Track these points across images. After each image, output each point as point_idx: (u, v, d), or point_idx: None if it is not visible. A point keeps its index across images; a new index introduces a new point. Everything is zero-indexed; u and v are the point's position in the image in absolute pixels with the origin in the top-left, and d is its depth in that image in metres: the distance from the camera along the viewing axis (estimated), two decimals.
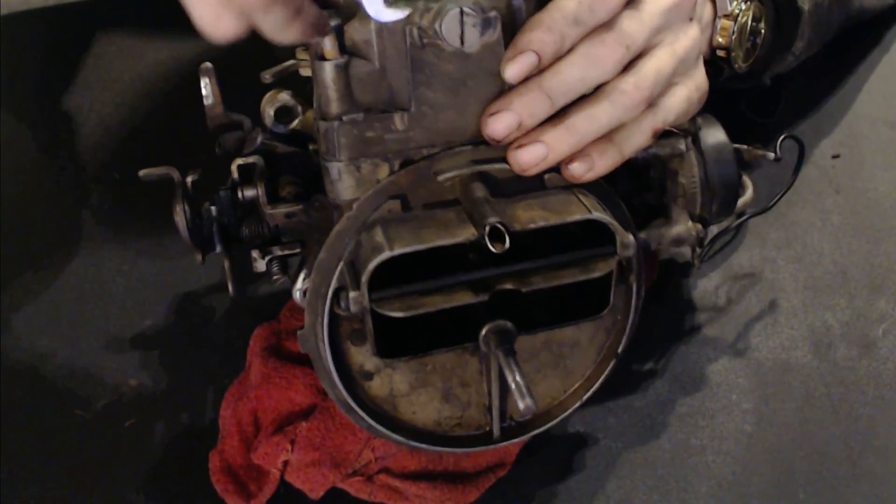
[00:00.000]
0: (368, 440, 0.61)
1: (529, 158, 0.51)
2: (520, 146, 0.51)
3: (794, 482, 0.61)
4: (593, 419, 0.65)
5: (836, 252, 0.74)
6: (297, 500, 0.61)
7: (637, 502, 0.61)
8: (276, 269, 0.58)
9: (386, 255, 0.49)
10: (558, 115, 0.51)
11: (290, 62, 0.58)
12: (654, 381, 0.67)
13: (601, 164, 0.53)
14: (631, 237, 0.53)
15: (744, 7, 0.67)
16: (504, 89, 0.51)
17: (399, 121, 0.51)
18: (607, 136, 0.53)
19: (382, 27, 0.49)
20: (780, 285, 0.72)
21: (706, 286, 0.72)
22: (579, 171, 0.52)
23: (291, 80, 0.57)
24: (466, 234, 0.50)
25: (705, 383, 0.67)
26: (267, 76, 0.54)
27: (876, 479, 0.61)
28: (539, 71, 0.50)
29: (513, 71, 0.50)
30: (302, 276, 0.55)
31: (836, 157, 0.81)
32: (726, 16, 0.65)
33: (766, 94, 0.79)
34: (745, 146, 0.62)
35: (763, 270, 0.73)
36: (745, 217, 0.68)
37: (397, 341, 0.54)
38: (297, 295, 0.54)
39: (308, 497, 0.61)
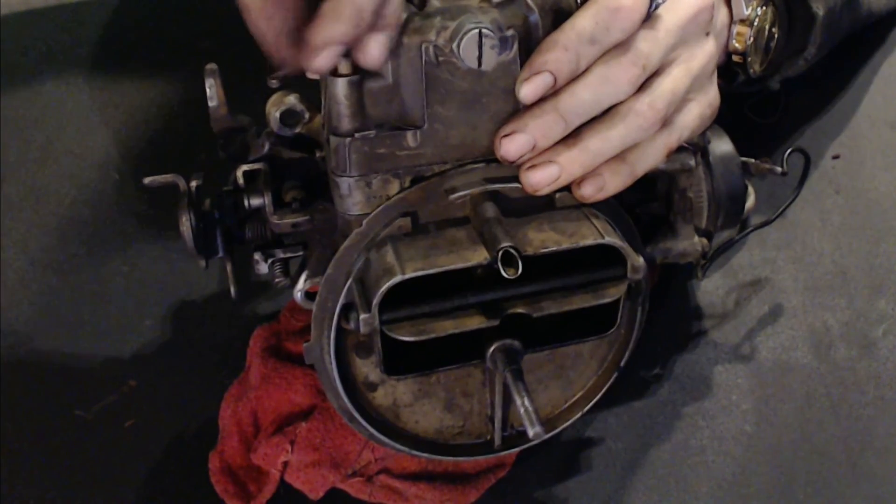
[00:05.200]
0: (368, 441, 0.61)
1: (541, 179, 0.51)
2: (532, 166, 0.51)
3: (794, 482, 0.61)
4: (593, 419, 0.65)
5: (836, 252, 0.74)
6: (296, 500, 0.61)
7: (637, 502, 0.61)
8: (278, 271, 0.58)
9: (398, 278, 0.49)
10: (572, 136, 0.51)
11: None
12: (655, 381, 0.67)
13: (613, 184, 0.52)
14: (641, 260, 0.53)
15: (760, 12, 0.66)
16: (518, 106, 0.51)
17: (411, 138, 0.50)
18: (620, 156, 0.52)
19: (398, 44, 0.48)
20: (781, 286, 0.72)
21: (706, 287, 0.72)
22: (590, 191, 0.52)
23: (297, 83, 0.57)
24: (478, 257, 0.49)
25: (705, 384, 0.66)
26: (273, 81, 0.54)
27: (876, 479, 0.61)
28: (554, 91, 0.50)
29: (528, 91, 0.49)
30: (303, 276, 0.54)
31: (836, 157, 0.81)
32: (742, 21, 0.65)
33: (768, 95, 0.78)
34: (753, 160, 0.62)
35: (763, 271, 0.73)
36: (748, 230, 0.68)
37: (403, 356, 0.53)
38: (298, 296, 0.54)
39: (308, 497, 0.61)
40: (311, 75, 0.52)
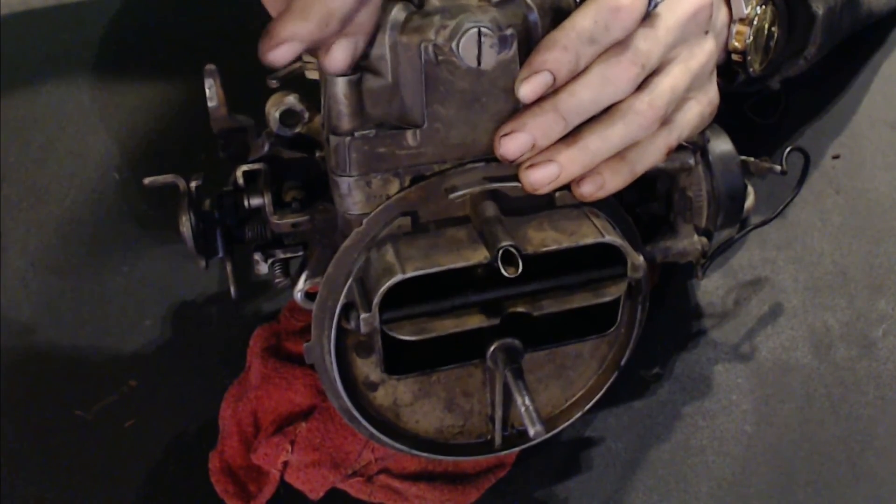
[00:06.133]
0: (368, 441, 0.61)
1: (541, 178, 0.51)
2: (532, 165, 0.51)
3: (794, 482, 0.61)
4: (594, 419, 0.65)
5: (836, 252, 0.74)
6: (296, 500, 0.61)
7: (637, 502, 0.61)
8: (278, 271, 0.58)
9: (398, 278, 0.48)
10: (571, 134, 0.51)
11: (297, 64, 0.57)
12: (655, 381, 0.67)
13: (612, 183, 0.52)
14: (641, 259, 0.53)
15: (759, 11, 0.66)
16: (518, 106, 0.50)
17: (411, 137, 0.50)
18: (620, 155, 0.52)
19: (397, 43, 0.48)
20: (781, 286, 0.72)
21: (706, 287, 0.72)
22: (590, 190, 0.52)
23: (297, 82, 0.57)
24: (479, 256, 0.49)
25: (705, 384, 0.67)
26: (273, 81, 0.54)
27: (876, 479, 0.61)
28: (553, 90, 0.49)
29: (527, 90, 0.49)
30: (303, 276, 0.54)
31: (836, 157, 0.81)
32: (741, 20, 0.65)
33: (768, 95, 0.78)
34: (752, 158, 0.62)
35: (763, 271, 0.73)
36: (748, 229, 0.68)
37: (404, 355, 0.53)
38: (298, 296, 0.54)
39: (308, 498, 0.61)
40: (310, 75, 0.53)
